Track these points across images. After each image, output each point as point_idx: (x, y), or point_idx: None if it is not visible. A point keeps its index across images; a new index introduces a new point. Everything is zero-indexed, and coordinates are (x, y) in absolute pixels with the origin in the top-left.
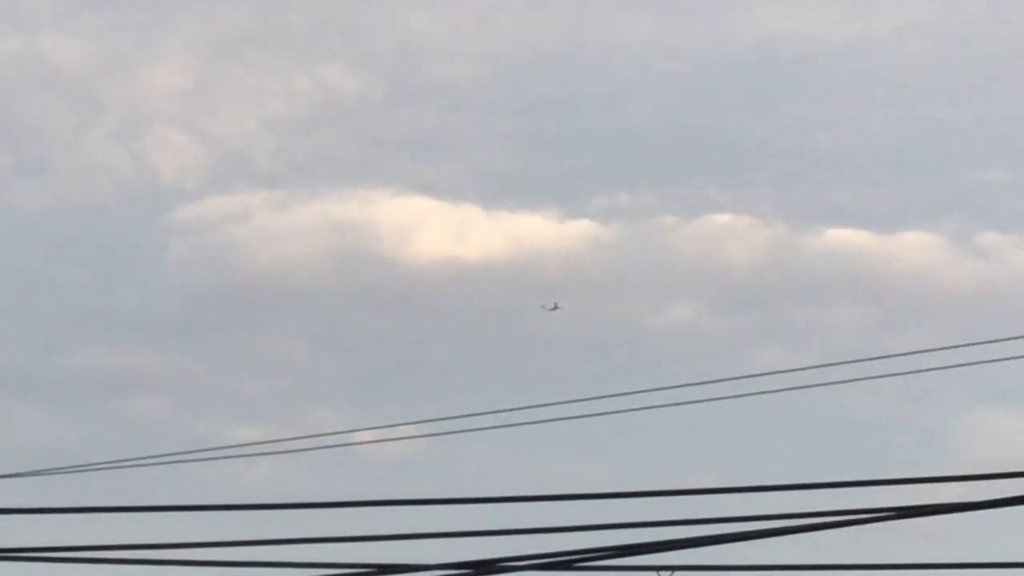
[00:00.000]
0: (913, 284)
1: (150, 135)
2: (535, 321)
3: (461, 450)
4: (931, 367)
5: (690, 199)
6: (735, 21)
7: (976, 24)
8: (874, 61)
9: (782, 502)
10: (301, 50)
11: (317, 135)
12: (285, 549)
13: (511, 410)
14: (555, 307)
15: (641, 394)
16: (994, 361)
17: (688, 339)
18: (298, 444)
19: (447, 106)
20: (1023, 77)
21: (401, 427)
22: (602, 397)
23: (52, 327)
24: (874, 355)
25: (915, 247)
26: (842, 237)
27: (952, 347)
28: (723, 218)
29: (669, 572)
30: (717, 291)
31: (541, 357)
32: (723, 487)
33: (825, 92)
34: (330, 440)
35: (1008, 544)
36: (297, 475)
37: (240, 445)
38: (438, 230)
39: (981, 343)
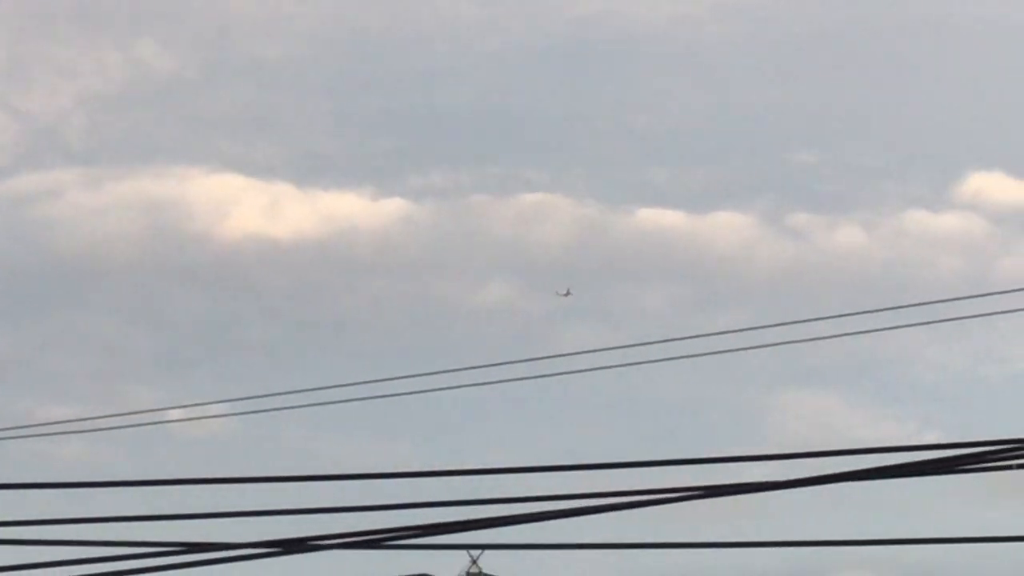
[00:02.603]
0: (725, 264)
1: None
2: (348, 300)
3: (274, 429)
4: (743, 346)
5: (504, 178)
6: (552, 1)
7: (789, 6)
8: (688, 43)
9: (592, 481)
10: (116, 27)
11: (132, 112)
12: (96, 527)
13: (323, 388)
14: (567, 293)
15: (452, 373)
16: (805, 341)
17: (501, 318)
18: (111, 422)
19: (262, 84)
20: (835, 59)
21: (213, 405)
22: (413, 376)
23: None
24: (686, 334)
25: (727, 227)
26: (655, 217)
27: (763, 327)
28: (537, 197)
29: (478, 551)
30: (531, 270)
31: (353, 336)
32: (532, 466)
33: (639, 73)
34: (143, 418)
35: (814, 522)
36: (110, 453)
37: (52, 423)
38: (252, 208)
39: (792, 323)
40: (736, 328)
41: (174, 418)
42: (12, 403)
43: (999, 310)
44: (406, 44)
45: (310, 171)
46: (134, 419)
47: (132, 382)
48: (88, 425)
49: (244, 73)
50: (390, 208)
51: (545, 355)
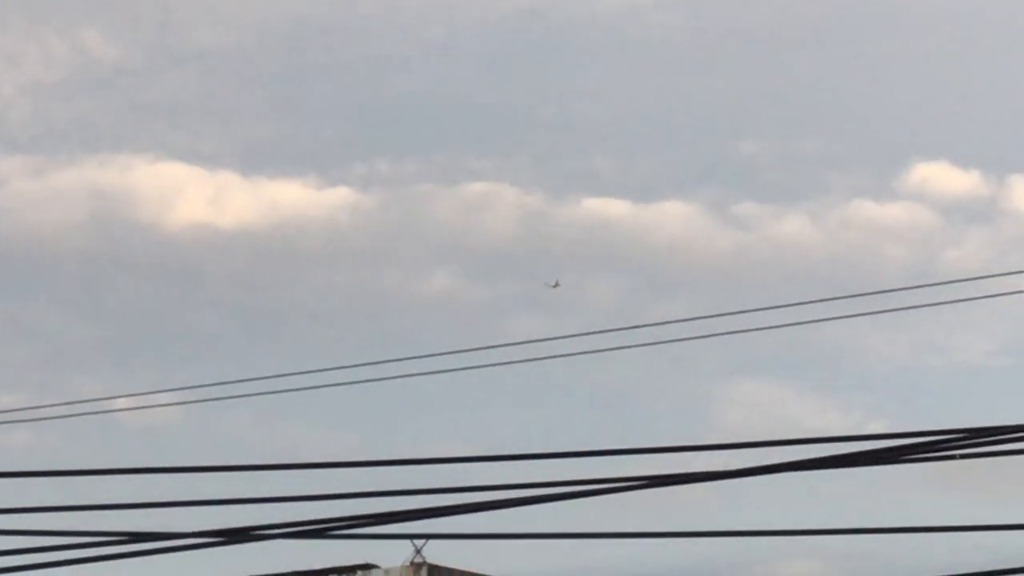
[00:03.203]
0: (671, 254)
1: None
2: (293, 289)
3: (220, 418)
4: (689, 336)
5: (450, 167)
6: None
7: None
8: (633, 32)
9: (538, 471)
10: (60, 14)
11: (75, 101)
12: (39, 517)
13: (269, 377)
14: (556, 284)
15: (399, 362)
16: (751, 330)
17: (447, 307)
18: (55, 411)
19: (207, 72)
20: (779, 48)
21: (159, 394)
22: (359, 365)
23: None
24: (632, 324)
25: (673, 217)
26: (600, 207)
27: (710, 316)
28: (482, 186)
29: (423, 541)
30: (476, 259)
31: (299, 325)
32: (478, 455)
33: (584, 62)
34: (88, 407)
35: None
36: (55, 442)
37: None
38: (196, 197)
39: (739, 312)
40: (682, 318)
41: (119, 407)
42: None
43: (945, 300)
44: (351, 33)
45: (255, 160)
46: (79, 408)
47: (77, 371)
48: (33, 414)
49: (189, 62)
50: (335, 197)
51: (491, 344)
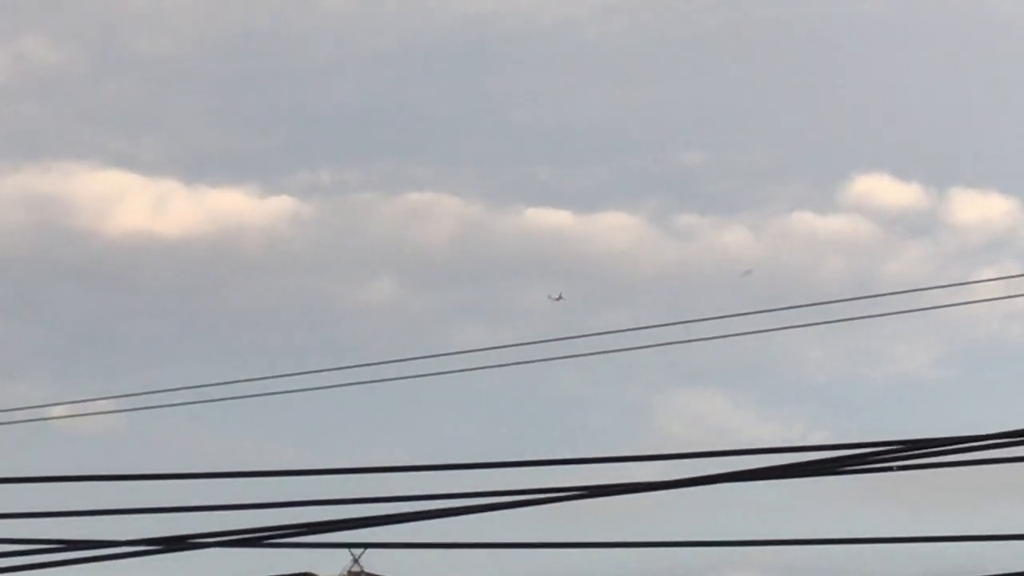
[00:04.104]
0: (612, 264)
1: None
2: (234, 298)
3: (158, 426)
4: (629, 346)
5: (391, 176)
6: None
7: (674, 6)
8: (577, 41)
9: (476, 480)
10: (1, 20)
11: (16, 107)
12: None
13: (208, 386)
14: (560, 297)
15: (339, 371)
16: (691, 341)
17: (389, 317)
18: None
19: (149, 80)
20: (721, 60)
21: (97, 401)
22: (299, 374)
23: None
24: (573, 334)
25: (615, 228)
26: (542, 216)
27: (650, 327)
28: (424, 196)
29: (361, 550)
30: (417, 269)
31: (240, 333)
32: (417, 464)
33: (528, 71)
34: (26, 415)
35: (699, 522)
36: None
37: None
38: (137, 205)
39: (679, 323)
40: (623, 328)
41: (57, 414)
42: None
43: (884, 312)
44: (292, 40)
45: (197, 168)
46: (17, 415)
47: (15, 378)
48: None
49: (130, 69)
50: (277, 206)
51: (431, 354)
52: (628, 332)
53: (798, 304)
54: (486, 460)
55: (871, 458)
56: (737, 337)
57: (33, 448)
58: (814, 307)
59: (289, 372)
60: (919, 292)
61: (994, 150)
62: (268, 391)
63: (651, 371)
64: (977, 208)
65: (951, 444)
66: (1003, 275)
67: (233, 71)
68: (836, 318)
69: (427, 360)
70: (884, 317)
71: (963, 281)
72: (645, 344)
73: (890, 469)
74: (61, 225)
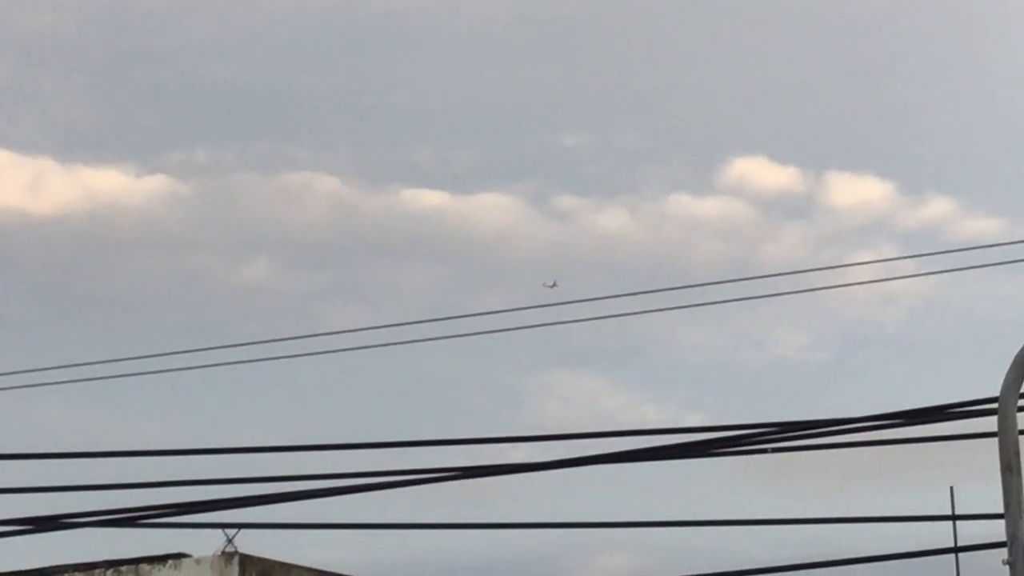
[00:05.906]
0: (489, 245)
1: None
2: (110, 276)
3: (30, 405)
4: (505, 327)
5: (268, 156)
6: None
7: None
8: (451, 22)
9: (352, 461)
10: None
11: None
12: None
13: (80, 364)
14: (554, 284)
15: (214, 350)
16: (568, 323)
17: (264, 296)
18: None
19: (25, 58)
20: (598, 41)
21: None
22: (174, 353)
23: None
24: (448, 315)
25: (492, 208)
26: (419, 197)
27: (526, 308)
28: (301, 176)
29: (235, 530)
30: (293, 249)
31: (116, 313)
32: (291, 445)
33: (403, 52)
34: None
35: (573, 504)
36: None
37: None
38: (13, 183)
39: (555, 304)
40: (499, 309)
41: None
42: None
43: (760, 294)
44: (168, 19)
45: (72, 147)
46: None
47: None
48: None
49: (7, 47)
50: (152, 184)
51: (307, 334)
52: (504, 313)
53: (675, 286)
54: (360, 441)
55: (745, 440)
56: (614, 319)
57: None
58: (690, 289)
59: (164, 352)
60: (795, 275)
61: (870, 134)
62: (141, 370)
63: (527, 353)
64: (853, 191)
65: (824, 426)
66: (878, 258)
67: (110, 50)
68: (712, 300)
69: (301, 340)
70: (760, 300)
71: (838, 264)
72: (521, 325)
73: (764, 451)
74: None
